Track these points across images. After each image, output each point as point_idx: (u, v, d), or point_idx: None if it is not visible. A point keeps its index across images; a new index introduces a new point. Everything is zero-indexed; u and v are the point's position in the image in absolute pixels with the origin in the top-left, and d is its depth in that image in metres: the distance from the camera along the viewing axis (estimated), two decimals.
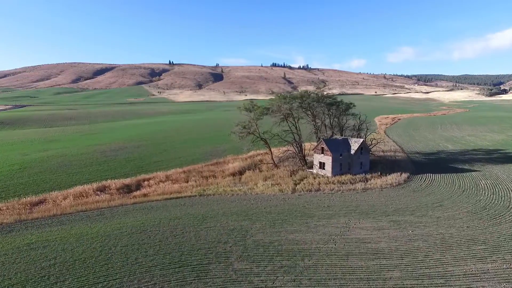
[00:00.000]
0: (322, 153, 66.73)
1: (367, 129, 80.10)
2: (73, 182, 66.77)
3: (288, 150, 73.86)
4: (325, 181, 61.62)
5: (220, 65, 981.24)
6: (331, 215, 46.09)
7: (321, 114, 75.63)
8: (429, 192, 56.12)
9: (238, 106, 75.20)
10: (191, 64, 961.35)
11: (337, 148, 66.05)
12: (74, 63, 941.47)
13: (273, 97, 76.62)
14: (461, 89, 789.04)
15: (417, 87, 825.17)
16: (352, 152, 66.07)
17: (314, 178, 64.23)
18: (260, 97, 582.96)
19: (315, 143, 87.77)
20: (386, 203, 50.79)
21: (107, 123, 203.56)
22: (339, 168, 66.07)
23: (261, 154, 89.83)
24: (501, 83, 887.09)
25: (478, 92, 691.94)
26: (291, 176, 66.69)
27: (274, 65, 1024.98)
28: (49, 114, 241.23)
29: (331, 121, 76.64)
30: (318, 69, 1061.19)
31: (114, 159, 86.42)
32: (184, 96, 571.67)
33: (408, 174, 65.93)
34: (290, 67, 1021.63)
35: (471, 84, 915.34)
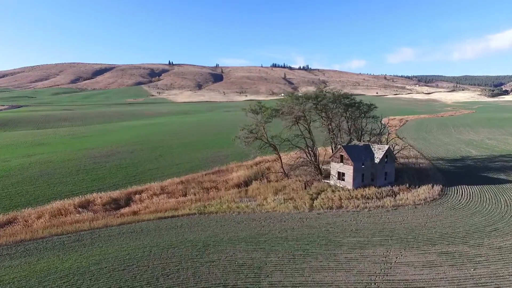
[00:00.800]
0: (341, 161, 57.81)
1: (389, 133, 71.04)
2: (53, 195, 57.74)
3: (301, 158, 64.92)
4: (346, 196, 52.68)
5: (220, 65, 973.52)
6: (363, 243, 37.12)
7: (338, 116, 66.55)
8: (473, 210, 47.16)
9: (244, 107, 66.37)
10: (190, 65, 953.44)
11: (359, 156, 57.14)
12: (73, 63, 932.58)
13: (284, 97, 67.52)
14: (463, 90, 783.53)
15: (418, 88, 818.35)
16: (376, 160, 57.16)
17: (333, 191, 55.27)
18: (260, 97, 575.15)
19: (329, 149, 78.98)
20: (426, 225, 41.84)
21: (102, 125, 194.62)
22: (361, 180, 57.18)
23: (268, 161, 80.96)
24: (501, 84, 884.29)
25: (480, 93, 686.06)
26: (305, 188, 57.75)
27: (274, 65, 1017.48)
28: (43, 115, 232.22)
29: (349, 124, 67.49)
30: (318, 69, 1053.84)
31: (104, 166, 77.39)
32: (183, 96, 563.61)
33: (440, 186, 56.99)
34: (290, 68, 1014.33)
35: (471, 85, 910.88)
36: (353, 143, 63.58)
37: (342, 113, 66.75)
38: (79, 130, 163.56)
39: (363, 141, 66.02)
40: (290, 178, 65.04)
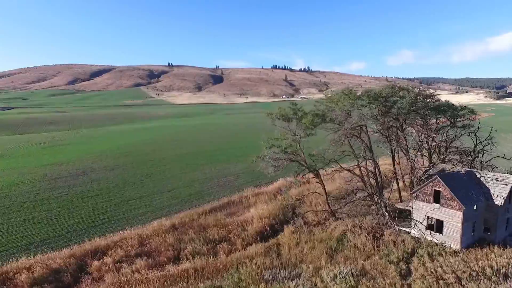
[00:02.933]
0: (436, 201, 34.93)
1: (484, 152, 47.80)
2: None
3: (358, 189, 42.01)
4: (461, 268, 29.72)
5: (220, 67, 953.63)
6: None
7: (414, 126, 43.59)
8: None
9: (269, 112, 43.40)
10: (190, 66, 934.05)
11: (468, 193, 34.25)
12: (71, 64, 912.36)
13: (332, 95, 44.44)
14: (467, 92, 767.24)
15: None
16: (498, 201, 34.17)
17: (430, 255, 32.36)
18: (261, 99, 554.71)
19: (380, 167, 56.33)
20: None
21: (89, 130, 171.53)
22: (471, 233, 34.26)
23: (294, 185, 58.22)
24: (503, 86, 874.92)
25: (484, 95, 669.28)
26: (377, 246, 34.85)
27: (275, 67, 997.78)
28: (26, 118, 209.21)
29: (430, 138, 43.79)
30: (319, 71, 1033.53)
31: (64, 195, 54.42)
32: (183, 98, 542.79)
33: None
34: (291, 70, 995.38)
35: (473, 87, 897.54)
36: (439, 167, 40.74)
37: (429, 123, 43.39)
38: (60, 136, 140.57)
39: (450, 163, 43.37)
40: (340, 219, 42.24)
